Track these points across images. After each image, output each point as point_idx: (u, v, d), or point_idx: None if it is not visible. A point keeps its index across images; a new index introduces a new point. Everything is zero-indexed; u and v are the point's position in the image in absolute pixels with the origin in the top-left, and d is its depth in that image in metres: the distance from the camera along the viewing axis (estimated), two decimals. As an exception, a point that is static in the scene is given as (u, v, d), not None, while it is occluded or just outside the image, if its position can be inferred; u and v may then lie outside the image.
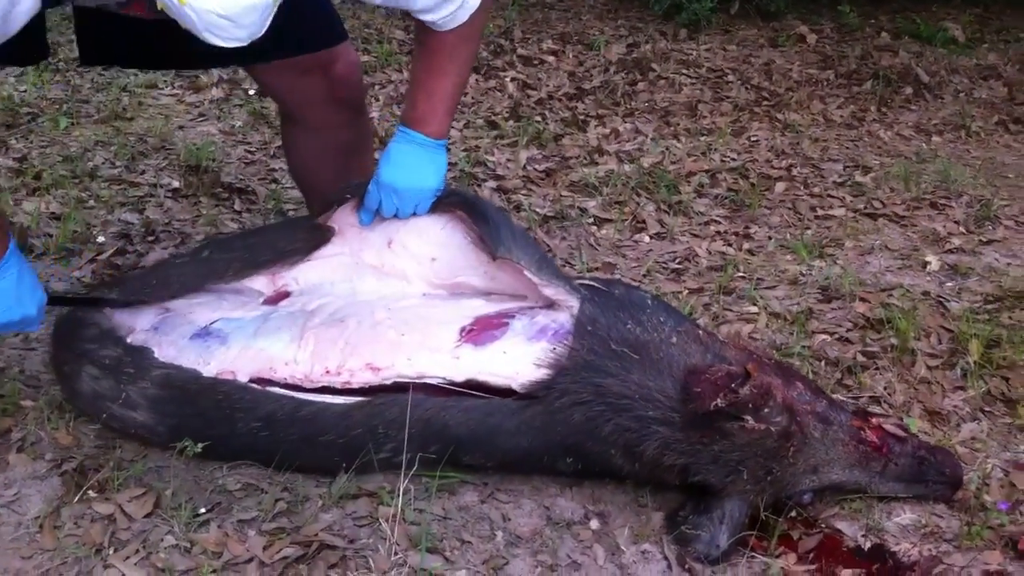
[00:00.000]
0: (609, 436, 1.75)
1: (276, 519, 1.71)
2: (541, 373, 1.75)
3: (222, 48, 1.72)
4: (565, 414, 1.75)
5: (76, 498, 1.71)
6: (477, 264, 1.94)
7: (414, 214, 1.94)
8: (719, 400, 1.67)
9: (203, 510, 1.72)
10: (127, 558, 1.61)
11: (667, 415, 1.72)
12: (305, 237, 2.01)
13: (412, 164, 1.90)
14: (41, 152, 3.07)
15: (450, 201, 1.95)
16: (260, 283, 2.00)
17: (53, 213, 2.67)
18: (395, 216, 1.94)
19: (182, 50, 1.97)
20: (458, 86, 1.92)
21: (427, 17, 1.78)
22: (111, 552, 1.62)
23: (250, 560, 1.62)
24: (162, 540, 1.65)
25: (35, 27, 1.85)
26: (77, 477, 1.75)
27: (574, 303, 1.83)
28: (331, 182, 2.21)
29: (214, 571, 1.58)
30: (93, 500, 1.71)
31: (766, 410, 1.69)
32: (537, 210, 3.00)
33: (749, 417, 1.69)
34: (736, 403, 1.67)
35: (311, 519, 1.72)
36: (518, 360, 1.76)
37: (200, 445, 1.73)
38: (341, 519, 1.73)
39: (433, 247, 1.96)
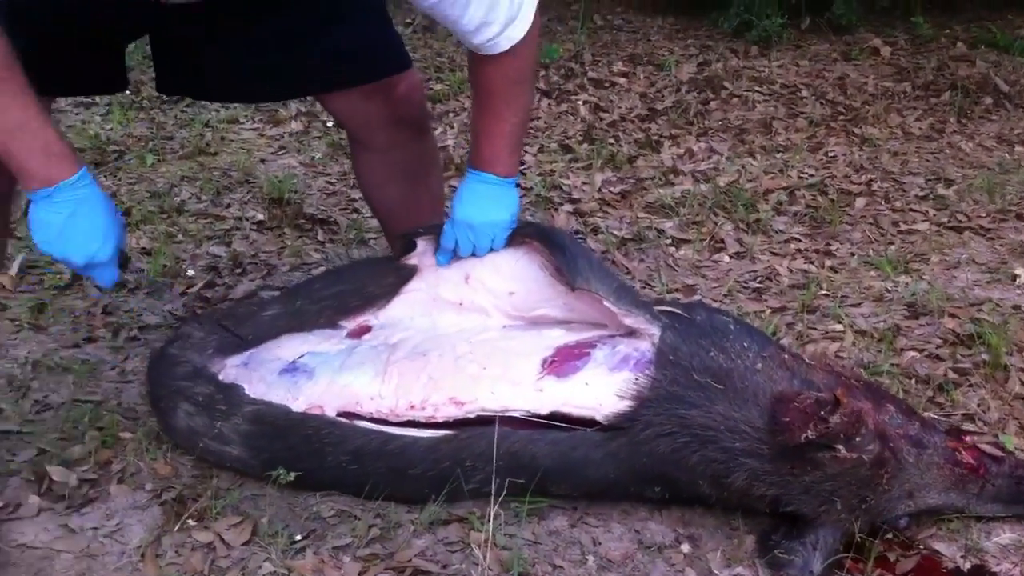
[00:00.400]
0: (696, 467, 1.74)
1: (370, 545, 1.74)
2: (624, 405, 1.74)
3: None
4: (650, 445, 1.74)
5: (176, 527, 1.75)
6: (555, 296, 1.95)
7: (491, 250, 1.97)
8: (809, 432, 1.64)
9: (299, 537, 1.74)
10: (227, 585, 1.64)
11: (754, 447, 1.70)
12: (391, 280, 2.04)
13: (484, 200, 1.94)
14: (129, 189, 3.16)
15: (525, 233, 1.97)
16: (345, 320, 2.03)
17: (144, 248, 2.74)
18: (472, 254, 1.97)
19: (253, 83, 2.04)
20: (517, 127, 1.94)
21: (470, 39, 1.79)
22: (212, 580, 1.65)
23: (347, 586, 1.65)
24: (260, 567, 1.68)
25: (116, 57, 1.92)
26: (176, 506, 1.79)
27: (655, 331, 1.82)
28: (400, 203, 2.25)
29: (312, 597, 1.61)
30: (192, 529, 1.75)
31: (858, 438, 1.66)
32: (614, 232, 3.00)
33: (841, 446, 1.66)
34: (827, 434, 1.64)
35: (404, 545, 1.74)
36: (601, 391, 1.77)
37: (292, 474, 1.76)
38: (433, 544, 1.75)
39: (510, 281, 1.98)
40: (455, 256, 1.99)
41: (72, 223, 1.66)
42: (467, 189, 1.96)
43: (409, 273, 2.03)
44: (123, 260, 1.79)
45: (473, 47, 1.82)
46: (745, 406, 1.72)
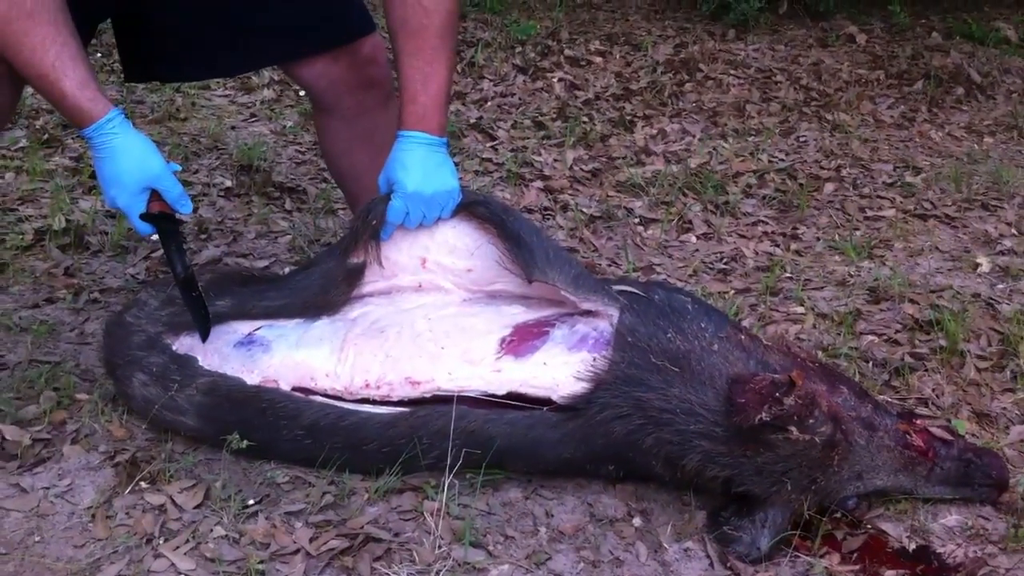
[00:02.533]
0: (651, 449, 1.75)
1: (323, 512, 1.74)
2: (581, 386, 1.75)
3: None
4: (606, 427, 1.75)
5: (128, 489, 1.75)
6: (513, 276, 1.92)
7: (439, 219, 1.89)
8: (763, 413, 1.65)
9: (251, 502, 1.75)
10: (177, 548, 1.64)
11: (709, 429, 1.71)
12: (344, 286, 1.94)
13: (431, 167, 1.84)
14: (96, 152, 3.13)
15: (479, 214, 1.89)
16: None
17: (108, 212, 2.72)
18: (421, 225, 1.88)
19: (220, 59, 2.02)
20: (452, 70, 1.85)
21: None
22: (161, 542, 1.65)
23: (297, 551, 1.65)
24: (211, 531, 1.68)
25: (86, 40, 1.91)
26: (129, 468, 1.79)
27: (614, 312, 1.82)
28: (367, 171, 2.23)
29: (262, 562, 1.61)
30: (145, 491, 1.75)
31: (811, 420, 1.67)
32: (584, 210, 3.01)
33: (794, 428, 1.67)
34: (781, 415, 1.65)
35: (357, 512, 1.74)
36: (558, 371, 1.77)
37: (245, 442, 1.76)
38: (386, 512, 1.75)
39: (467, 259, 1.93)
40: (404, 236, 1.89)
41: (100, 168, 1.71)
42: (409, 156, 1.84)
43: (360, 271, 1.94)
44: (157, 215, 1.79)
45: None
46: (701, 388, 1.72)
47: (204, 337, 1.84)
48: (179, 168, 1.87)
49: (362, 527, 1.70)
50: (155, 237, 1.88)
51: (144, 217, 1.78)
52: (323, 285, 1.94)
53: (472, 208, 1.90)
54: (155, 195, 1.78)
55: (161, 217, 1.79)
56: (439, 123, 1.85)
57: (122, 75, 2.13)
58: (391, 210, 1.86)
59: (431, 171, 1.84)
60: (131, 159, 1.73)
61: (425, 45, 1.81)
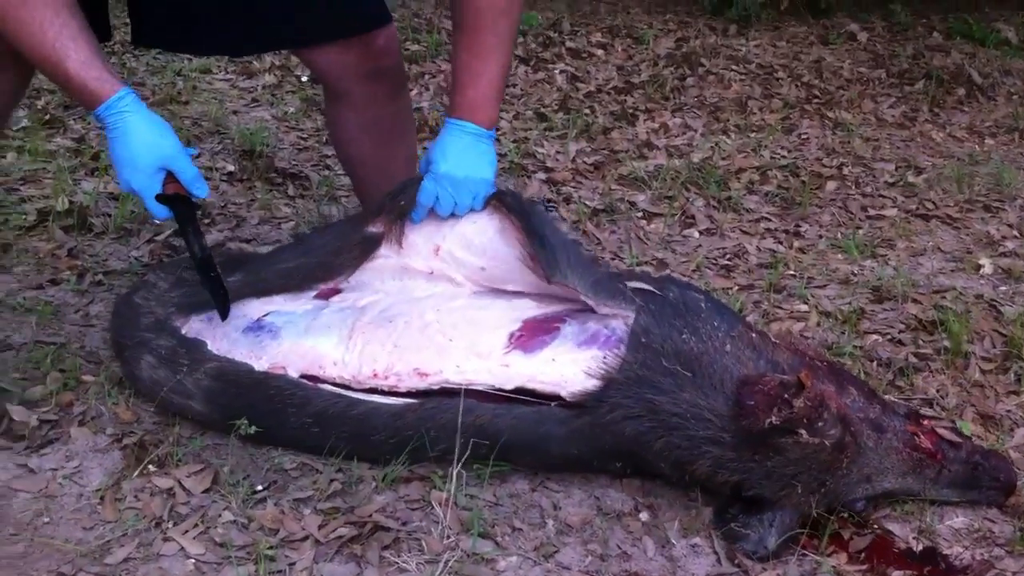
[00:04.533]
0: (660, 451, 1.75)
1: (331, 499, 1.74)
2: (592, 384, 1.74)
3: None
4: (616, 427, 1.75)
5: (136, 472, 1.74)
6: (528, 277, 1.90)
7: (471, 209, 1.90)
8: (773, 417, 1.65)
9: (260, 487, 1.74)
10: (186, 532, 1.63)
11: (718, 435, 1.71)
12: (357, 251, 1.97)
13: (469, 154, 1.87)
14: (99, 133, 3.10)
15: (504, 204, 1.89)
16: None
17: (111, 193, 2.70)
18: (452, 213, 1.89)
19: (232, 36, 2.00)
20: (504, 67, 1.87)
21: None
22: (170, 525, 1.65)
23: (305, 538, 1.64)
24: (220, 515, 1.67)
25: (97, 6, 1.88)
26: (137, 451, 1.78)
27: (629, 313, 1.81)
28: (374, 161, 2.23)
29: (271, 547, 1.61)
30: (153, 474, 1.74)
31: (820, 423, 1.67)
32: (587, 203, 3.01)
33: (803, 431, 1.66)
34: (790, 418, 1.65)
35: (365, 500, 1.74)
36: (567, 368, 1.76)
37: (253, 428, 1.76)
38: (394, 501, 1.75)
39: (481, 257, 1.93)
40: (432, 213, 1.90)
41: (113, 149, 1.68)
42: (450, 141, 1.88)
43: (376, 241, 1.96)
44: (173, 196, 1.76)
45: None
46: (712, 393, 1.72)
47: (223, 316, 1.83)
48: (195, 152, 1.85)
49: (370, 515, 1.70)
50: (161, 219, 1.85)
51: (159, 199, 1.75)
52: (336, 247, 1.96)
53: (500, 198, 1.90)
54: (170, 177, 1.75)
55: (177, 199, 1.76)
56: (487, 116, 1.88)
57: (122, 53, 2.10)
58: (422, 191, 1.87)
59: (468, 158, 1.86)
60: (144, 139, 1.70)
61: (478, 42, 1.83)
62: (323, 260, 1.97)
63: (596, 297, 1.83)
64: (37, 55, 1.63)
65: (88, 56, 1.64)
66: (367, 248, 1.96)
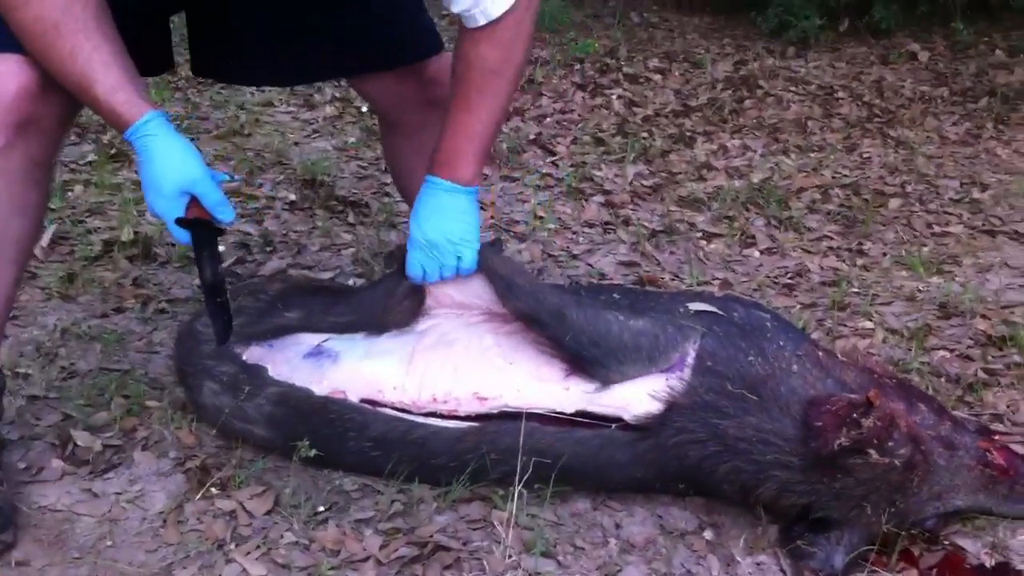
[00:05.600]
0: (725, 476, 1.73)
1: (392, 520, 1.73)
2: (655, 407, 1.72)
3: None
4: (679, 451, 1.73)
5: (199, 495, 1.75)
6: None
7: (458, 271, 1.85)
8: (842, 439, 1.61)
9: (321, 509, 1.74)
10: (248, 553, 1.64)
11: (786, 459, 1.68)
12: (408, 303, 1.93)
13: (445, 214, 1.82)
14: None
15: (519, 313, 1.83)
16: None
17: (175, 223, 2.74)
18: (441, 276, 1.86)
19: (285, 66, 2.03)
20: (489, 126, 1.82)
21: (448, 4, 1.71)
22: (233, 547, 1.65)
23: (367, 559, 1.64)
24: (282, 537, 1.68)
25: (160, 36, 1.92)
26: (200, 474, 1.79)
27: (694, 338, 1.78)
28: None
29: (332, 568, 1.61)
30: (215, 497, 1.75)
31: (890, 443, 1.62)
32: (645, 224, 2.99)
33: (873, 451, 1.62)
34: (859, 439, 1.61)
35: (426, 520, 1.73)
36: (629, 391, 1.75)
37: (313, 450, 1.76)
38: (455, 522, 1.74)
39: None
40: (424, 282, 1.88)
41: (141, 172, 1.64)
42: (424, 201, 1.84)
43: (421, 291, 1.93)
44: (192, 220, 1.70)
45: (453, 14, 1.75)
46: (779, 416, 1.69)
47: (221, 342, 1.76)
48: (226, 178, 1.82)
49: (431, 536, 1.69)
50: (182, 243, 1.78)
51: (179, 222, 1.69)
52: (387, 303, 1.93)
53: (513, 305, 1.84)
54: (195, 201, 1.69)
55: (196, 223, 1.70)
56: (466, 172, 1.82)
57: (186, 88, 2.13)
58: (408, 265, 1.86)
59: (445, 219, 1.82)
60: (169, 162, 1.64)
61: (464, 96, 1.80)
62: (375, 317, 1.93)
63: (657, 363, 1.76)
64: (67, 81, 1.60)
65: (117, 81, 1.60)
66: (415, 299, 1.93)
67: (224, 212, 1.69)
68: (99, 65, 1.58)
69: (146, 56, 1.90)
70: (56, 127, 1.69)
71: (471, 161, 1.82)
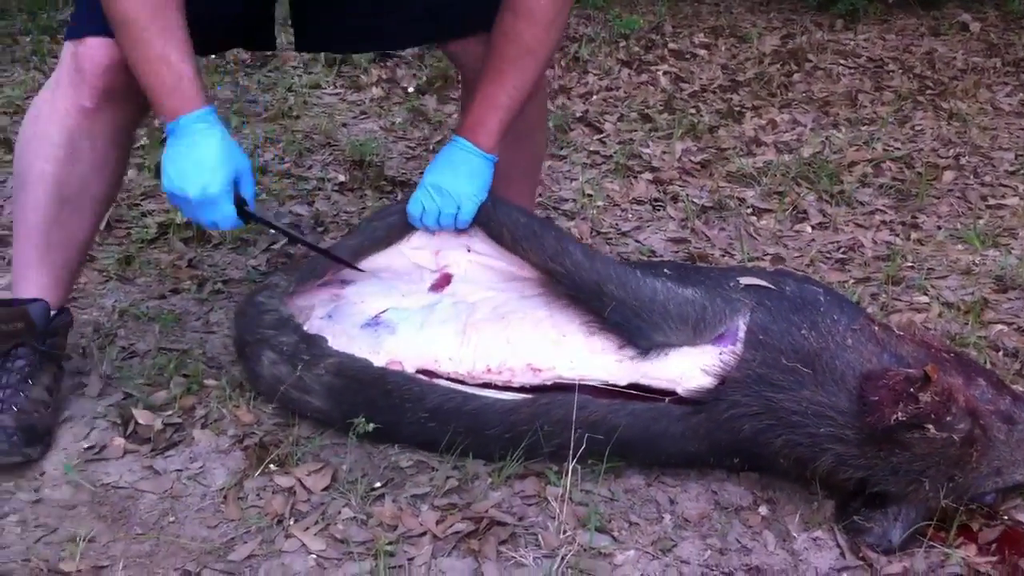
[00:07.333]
0: (780, 449, 1.72)
1: (447, 495, 1.75)
2: (708, 381, 1.73)
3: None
4: (733, 424, 1.73)
5: (258, 472, 1.78)
6: None
7: (454, 221, 1.91)
8: (899, 413, 1.60)
9: (377, 485, 1.76)
10: (307, 528, 1.66)
11: (841, 432, 1.67)
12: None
13: (458, 168, 1.90)
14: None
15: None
16: (425, 258, 2.02)
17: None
18: (437, 223, 1.92)
19: (385, 32, 2.07)
20: (514, 101, 1.90)
21: None
22: (292, 523, 1.68)
23: (423, 534, 1.66)
24: (339, 512, 1.70)
25: (266, 15, 1.99)
26: (258, 452, 1.82)
27: (745, 312, 1.78)
28: (501, 158, 2.23)
29: (390, 543, 1.62)
30: (274, 473, 1.78)
31: (948, 417, 1.61)
32: (695, 200, 2.98)
33: (931, 426, 1.60)
34: (917, 414, 1.59)
35: (481, 496, 1.75)
36: (683, 364, 1.75)
37: (371, 425, 1.78)
38: (509, 497, 1.75)
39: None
40: (421, 224, 1.95)
41: (187, 154, 1.69)
42: (443, 154, 1.93)
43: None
44: (240, 207, 1.75)
45: None
46: (834, 390, 1.68)
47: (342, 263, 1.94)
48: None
49: (487, 511, 1.70)
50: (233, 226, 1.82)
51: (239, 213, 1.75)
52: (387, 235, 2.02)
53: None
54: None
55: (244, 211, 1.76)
56: (488, 140, 1.90)
57: (235, 72, 2.15)
58: (410, 202, 1.94)
59: (457, 171, 1.90)
60: (225, 150, 1.71)
61: (495, 69, 1.89)
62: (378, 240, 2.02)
63: (703, 336, 1.77)
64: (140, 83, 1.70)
65: (187, 70, 1.68)
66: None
67: (252, 201, 1.80)
68: (176, 50, 1.66)
69: (249, 32, 1.99)
70: (141, 96, 1.75)
71: (493, 130, 1.91)
